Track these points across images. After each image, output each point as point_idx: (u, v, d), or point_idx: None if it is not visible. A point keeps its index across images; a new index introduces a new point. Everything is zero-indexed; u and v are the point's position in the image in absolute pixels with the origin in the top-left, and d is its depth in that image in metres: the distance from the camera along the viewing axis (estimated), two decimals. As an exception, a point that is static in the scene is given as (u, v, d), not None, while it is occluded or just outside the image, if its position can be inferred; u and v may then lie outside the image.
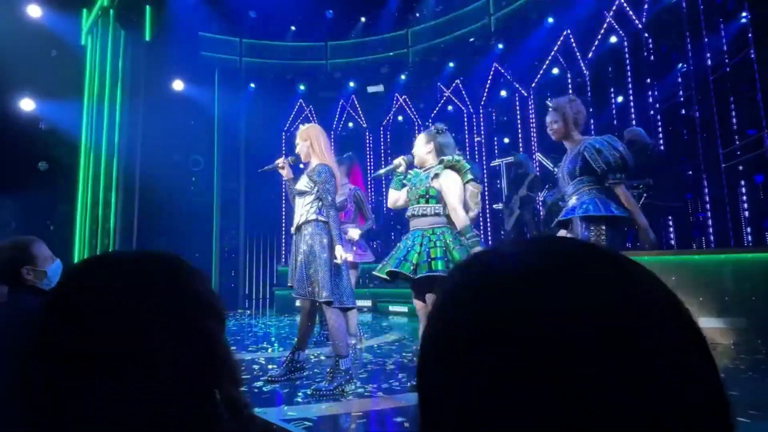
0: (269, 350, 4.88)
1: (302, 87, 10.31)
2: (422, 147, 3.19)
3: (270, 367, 4.00)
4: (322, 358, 4.35)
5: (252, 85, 10.03)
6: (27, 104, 7.43)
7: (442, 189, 3.02)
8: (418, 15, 9.83)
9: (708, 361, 0.34)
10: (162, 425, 0.49)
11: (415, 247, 3.02)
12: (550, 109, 3.21)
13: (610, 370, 0.30)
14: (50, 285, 1.86)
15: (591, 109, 7.77)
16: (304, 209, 3.42)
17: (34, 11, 7.31)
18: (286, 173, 3.58)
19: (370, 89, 9.87)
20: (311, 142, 3.51)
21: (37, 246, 1.92)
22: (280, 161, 3.62)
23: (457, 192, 3.01)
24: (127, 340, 0.50)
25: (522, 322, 0.32)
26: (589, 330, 0.31)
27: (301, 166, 3.73)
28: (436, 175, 3.05)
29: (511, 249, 0.38)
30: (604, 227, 3.06)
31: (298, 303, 3.61)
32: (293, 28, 10.12)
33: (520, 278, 0.34)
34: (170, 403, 0.50)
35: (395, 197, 3.33)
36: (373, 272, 3.30)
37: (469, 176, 3.08)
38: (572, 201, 3.16)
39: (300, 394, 3.16)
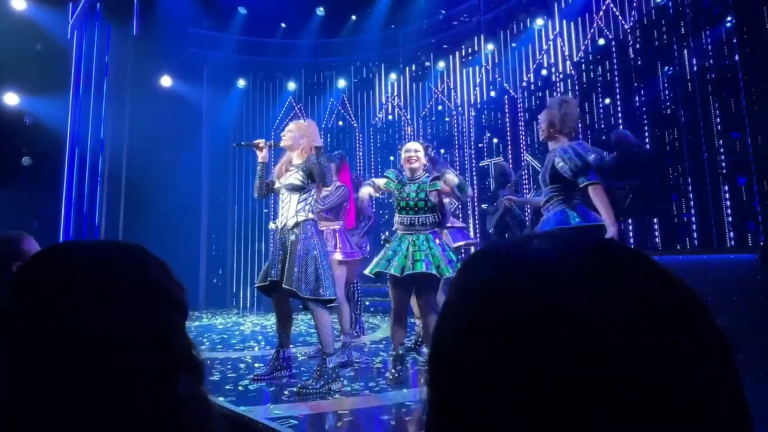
0: (256, 348, 4.86)
1: (292, 85, 10.27)
2: (424, 158, 3.61)
3: (256, 365, 3.98)
4: (304, 356, 4.34)
5: (241, 82, 9.97)
6: (11, 99, 7.31)
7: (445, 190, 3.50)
8: (408, 14, 9.82)
9: (730, 368, 0.34)
10: (116, 411, 0.49)
11: (402, 250, 3.42)
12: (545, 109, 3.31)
13: (637, 369, 0.30)
14: None
15: (578, 110, 7.84)
16: (299, 206, 3.38)
17: (19, 4, 7.19)
18: (263, 155, 3.55)
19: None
20: (306, 140, 3.48)
21: (27, 242, 1.89)
22: (261, 141, 3.59)
23: (456, 179, 3.58)
24: (83, 323, 0.50)
25: (555, 317, 0.31)
26: (619, 327, 0.31)
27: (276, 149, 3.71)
28: (433, 189, 3.46)
29: (540, 243, 0.37)
30: None
31: (276, 301, 3.57)
32: (283, 25, 10.06)
33: (552, 272, 0.33)
34: (124, 390, 0.49)
35: (367, 191, 3.73)
36: (364, 271, 3.62)
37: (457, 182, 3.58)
38: (546, 213, 3.23)
39: (286, 392, 3.16)
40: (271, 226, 3.63)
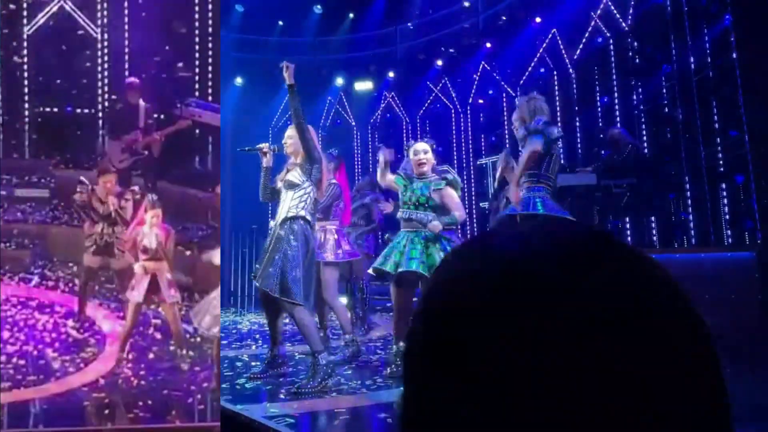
0: (253, 347, 4.86)
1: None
2: (432, 158, 3.71)
3: (254, 364, 3.98)
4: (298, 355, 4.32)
5: (239, 80, 9.94)
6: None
7: (446, 200, 3.58)
8: (406, 12, 9.81)
9: (711, 363, 0.32)
10: None
11: (399, 246, 3.49)
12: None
13: (608, 362, 0.29)
14: None
15: (576, 108, 7.83)
16: (293, 203, 3.37)
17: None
18: (267, 160, 3.57)
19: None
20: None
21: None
22: (265, 146, 3.63)
23: (459, 202, 3.66)
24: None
25: (522, 307, 0.30)
26: (590, 317, 0.30)
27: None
28: (438, 189, 3.54)
29: (514, 231, 0.36)
30: None
31: (262, 299, 3.57)
32: (281, 23, 10.04)
33: (521, 260, 0.33)
34: None
35: (384, 175, 3.78)
36: (368, 270, 3.76)
37: (458, 191, 3.73)
38: (521, 193, 3.45)
39: (282, 391, 3.15)
40: (271, 224, 3.66)
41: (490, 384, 0.30)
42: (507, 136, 8.91)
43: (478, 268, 0.34)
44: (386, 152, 3.76)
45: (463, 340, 0.31)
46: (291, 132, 3.55)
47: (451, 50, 9.20)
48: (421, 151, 3.63)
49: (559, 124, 7.84)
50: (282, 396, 3.05)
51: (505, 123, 8.99)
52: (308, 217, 3.37)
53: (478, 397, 0.30)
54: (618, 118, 6.99)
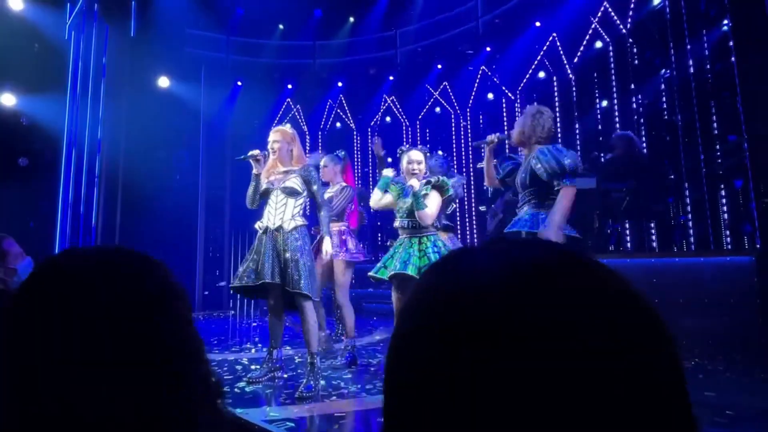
0: (252, 350, 4.85)
1: (289, 86, 10.26)
2: (425, 168, 3.68)
3: (253, 367, 3.97)
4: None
5: (239, 83, 9.95)
6: (8, 99, 7.28)
7: (427, 201, 3.52)
8: (406, 16, 9.83)
9: (677, 374, 0.33)
10: (147, 412, 0.50)
11: (397, 254, 3.53)
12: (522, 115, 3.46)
13: (570, 375, 0.30)
14: (20, 282, 1.83)
15: (576, 113, 7.85)
16: (295, 210, 3.44)
17: (16, 4, 7.17)
18: (259, 167, 3.57)
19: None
20: (296, 146, 3.58)
21: (7, 242, 1.89)
22: (257, 153, 3.60)
23: (435, 206, 3.52)
24: (82, 334, 0.51)
25: (487, 326, 0.32)
26: (552, 336, 0.31)
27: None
28: (425, 195, 3.50)
29: (485, 251, 0.38)
30: None
31: (272, 302, 3.58)
32: (281, 26, 10.06)
33: (489, 283, 0.34)
34: (151, 391, 0.51)
35: (378, 197, 3.78)
36: (368, 274, 3.71)
37: (450, 192, 3.65)
38: (521, 212, 3.30)
39: (282, 394, 3.15)
40: (258, 225, 3.61)
41: (443, 402, 0.32)
42: (507, 140, 8.93)
43: (442, 286, 0.36)
44: (377, 145, 3.92)
45: (426, 357, 0.33)
46: (277, 136, 3.57)
47: (469, 51, 9.20)
48: (415, 161, 3.59)
49: (559, 128, 7.86)
50: (282, 400, 3.05)
51: (505, 127, 9.00)
52: (305, 222, 3.55)
53: (440, 411, 0.32)
54: (617, 123, 7.01)
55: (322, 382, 3.23)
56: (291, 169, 3.52)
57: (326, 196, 4.71)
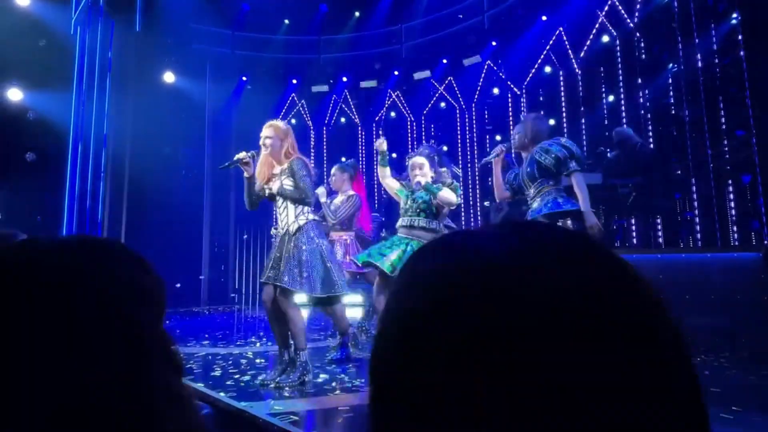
0: (257, 344, 4.87)
1: (294, 81, 10.25)
2: (429, 170, 3.75)
3: (258, 361, 3.99)
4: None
5: (244, 78, 9.96)
6: (14, 94, 7.31)
7: (440, 200, 3.58)
8: (411, 10, 9.79)
9: (686, 364, 0.32)
10: (93, 413, 0.48)
11: (396, 250, 3.56)
12: (520, 122, 3.66)
13: (570, 363, 0.28)
14: None
15: (582, 108, 7.80)
16: (296, 210, 3.36)
17: (22, 0, 7.19)
18: (249, 170, 3.39)
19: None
20: (289, 142, 3.41)
21: (20, 239, 1.90)
22: (244, 155, 3.37)
23: (450, 194, 3.65)
24: (44, 320, 0.49)
25: (482, 307, 0.30)
26: (551, 320, 0.29)
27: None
28: (438, 189, 3.58)
29: (481, 232, 0.36)
30: (570, 222, 3.27)
31: (266, 302, 3.55)
32: (286, 21, 10.05)
33: (486, 262, 0.32)
34: (99, 392, 0.49)
35: (382, 173, 3.87)
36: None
37: (459, 191, 3.80)
38: (536, 203, 3.39)
39: (287, 388, 3.16)
40: (273, 232, 3.64)
41: (446, 387, 0.30)
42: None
43: (434, 266, 0.34)
44: (380, 142, 3.85)
45: (420, 338, 0.31)
46: (269, 132, 3.42)
47: (453, 46, 9.16)
48: (417, 166, 3.68)
49: (565, 122, 7.81)
50: (286, 393, 3.06)
51: (511, 121, 8.96)
52: (316, 218, 3.48)
53: (436, 395, 0.30)
54: (624, 118, 6.96)
55: (308, 377, 3.26)
56: (283, 168, 3.39)
57: (332, 206, 4.73)
